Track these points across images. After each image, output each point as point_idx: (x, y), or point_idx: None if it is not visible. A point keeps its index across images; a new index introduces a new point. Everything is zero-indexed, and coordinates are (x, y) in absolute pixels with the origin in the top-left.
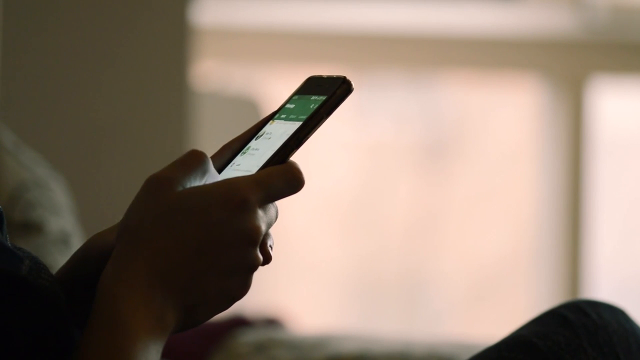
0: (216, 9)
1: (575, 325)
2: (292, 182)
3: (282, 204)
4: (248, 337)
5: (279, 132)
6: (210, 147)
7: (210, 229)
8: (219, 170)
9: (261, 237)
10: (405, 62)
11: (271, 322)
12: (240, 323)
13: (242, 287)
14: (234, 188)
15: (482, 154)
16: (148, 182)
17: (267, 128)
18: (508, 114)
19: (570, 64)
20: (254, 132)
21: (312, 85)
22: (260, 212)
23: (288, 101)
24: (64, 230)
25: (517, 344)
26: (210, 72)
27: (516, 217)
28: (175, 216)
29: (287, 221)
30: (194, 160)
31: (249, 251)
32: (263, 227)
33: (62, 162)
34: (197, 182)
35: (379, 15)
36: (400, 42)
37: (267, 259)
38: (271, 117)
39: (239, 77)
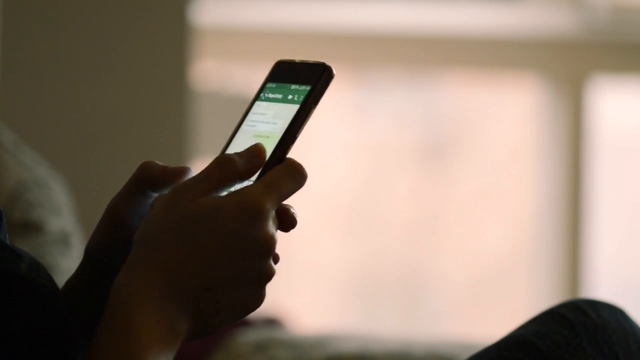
0: (216, 9)
1: (575, 325)
2: (297, 178)
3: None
4: (248, 337)
5: (268, 127)
6: (210, 147)
7: (225, 239)
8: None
9: (275, 247)
10: (405, 62)
11: (271, 322)
12: (240, 323)
13: (256, 299)
14: (247, 197)
15: (482, 154)
16: (172, 191)
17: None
18: (508, 114)
19: (570, 64)
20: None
21: (285, 72)
22: (271, 220)
23: (262, 90)
24: (64, 230)
25: (516, 343)
26: (210, 72)
27: (516, 217)
28: (191, 226)
29: None
30: (222, 171)
31: (264, 261)
32: (276, 236)
33: (62, 162)
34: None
35: (379, 15)
36: (400, 42)
37: (276, 261)
38: (250, 106)
39: (239, 77)
